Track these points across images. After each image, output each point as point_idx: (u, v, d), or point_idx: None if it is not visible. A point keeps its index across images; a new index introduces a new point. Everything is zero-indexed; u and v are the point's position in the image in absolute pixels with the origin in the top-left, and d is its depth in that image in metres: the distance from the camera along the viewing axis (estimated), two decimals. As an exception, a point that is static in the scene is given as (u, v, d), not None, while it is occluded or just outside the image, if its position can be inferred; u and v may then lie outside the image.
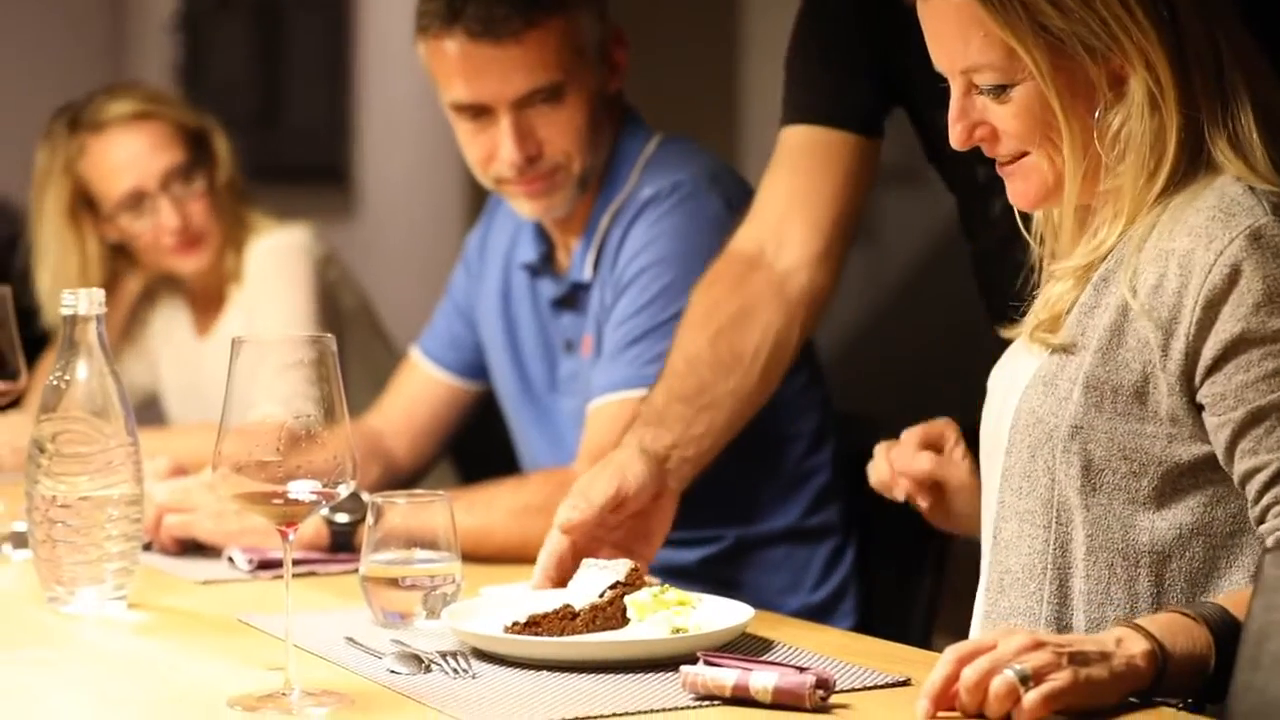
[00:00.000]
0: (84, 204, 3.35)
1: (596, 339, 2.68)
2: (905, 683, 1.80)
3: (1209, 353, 1.82)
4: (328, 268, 3.43)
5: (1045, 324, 1.93)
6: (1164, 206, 1.88)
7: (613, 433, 2.47)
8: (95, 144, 3.33)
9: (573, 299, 2.74)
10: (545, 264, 2.78)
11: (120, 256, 3.42)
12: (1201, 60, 1.88)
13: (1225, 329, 1.81)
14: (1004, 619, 1.93)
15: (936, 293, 4.79)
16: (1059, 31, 1.85)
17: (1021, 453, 1.93)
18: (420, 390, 2.96)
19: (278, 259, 3.37)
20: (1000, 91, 1.89)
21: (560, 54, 2.62)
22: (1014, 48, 1.86)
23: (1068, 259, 1.95)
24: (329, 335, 1.80)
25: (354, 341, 3.45)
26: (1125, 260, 1.87)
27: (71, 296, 2.14)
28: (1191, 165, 1.89)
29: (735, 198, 2.65)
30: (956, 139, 1.94)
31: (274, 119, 5.95)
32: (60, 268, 3.36)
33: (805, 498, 2.70)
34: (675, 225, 2.63)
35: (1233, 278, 1.80)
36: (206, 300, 3.48)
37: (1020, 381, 1.95)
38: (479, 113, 2.64)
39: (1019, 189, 1.95)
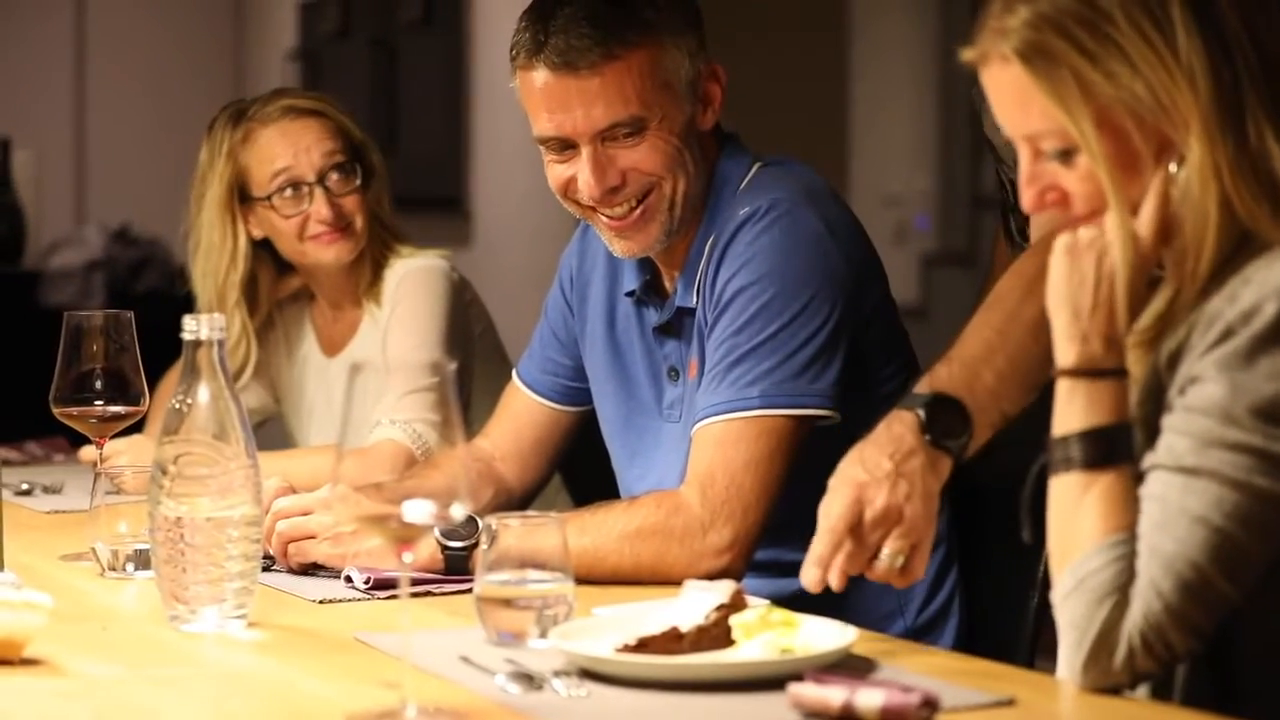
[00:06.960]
0: (239, 197, 3.43)
1: (701, 361, 2.67)
2: (1010, 702, 1.82)
3: None
4: (464, 291, 3.49)
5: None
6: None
7: (717, 455, 2.48)
8: (260, 132, 3.41)
9: (676, 326, 2.73)
10: (649, 292, 2.78)
11: (261, 257, 3.49)
12: (1241, 132, 1.85)
13: None
14: None
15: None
16: (1107, 99, 1.84)
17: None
18: (524, 414, 2.98)
19: (418, 281, 3.42)
20: (1066, 156, 1.88)
21: (642, 88, 2.59)
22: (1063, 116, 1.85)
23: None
24: (448, 360, 1.83)
25: (481, 366, 3.50)
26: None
27: (194, 323, 2.19)
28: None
29: (831, 216, 2.64)
30: (1028, 203, 1.92)
31: (391, 149, 6.04)
32: (212, 256, 3.44)
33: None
34: (771, 242, 2.60)
35: None
36: (338, 319, 3.54)
37: None
38: (563, 147, 2.63)
39: None
